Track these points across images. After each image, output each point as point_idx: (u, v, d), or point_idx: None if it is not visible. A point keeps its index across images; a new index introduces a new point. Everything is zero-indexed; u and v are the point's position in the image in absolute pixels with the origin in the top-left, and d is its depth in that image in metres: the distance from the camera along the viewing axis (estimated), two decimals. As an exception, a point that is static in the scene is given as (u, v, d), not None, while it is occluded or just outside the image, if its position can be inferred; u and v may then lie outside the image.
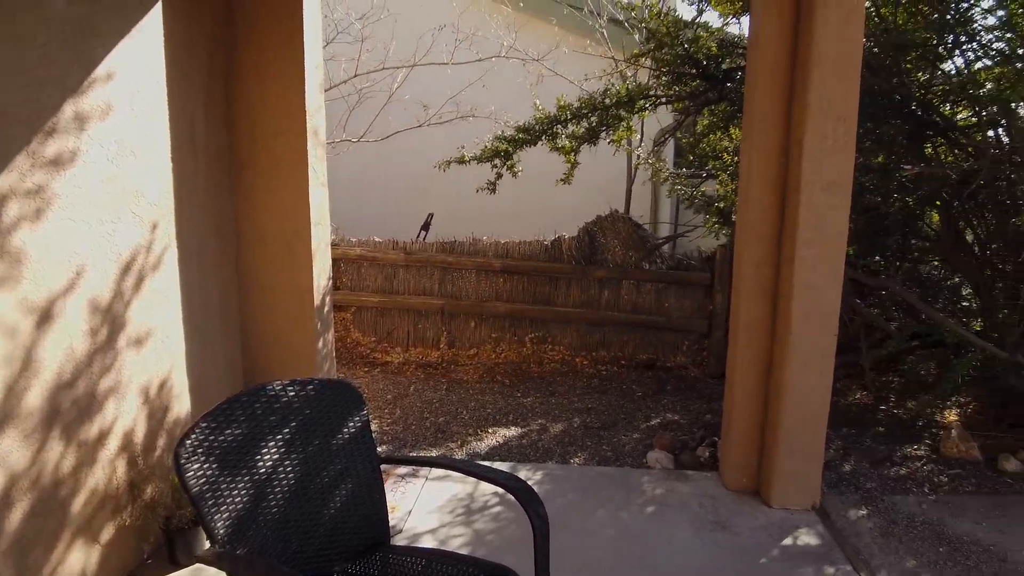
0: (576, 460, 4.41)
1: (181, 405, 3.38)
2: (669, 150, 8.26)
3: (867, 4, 4.73)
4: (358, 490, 2.23)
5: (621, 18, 4.79)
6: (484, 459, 4.42)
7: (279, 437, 2.05)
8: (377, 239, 6.53)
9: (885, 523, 3.66)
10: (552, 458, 4.44)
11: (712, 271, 6.04)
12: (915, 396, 5.53)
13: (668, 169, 5.90)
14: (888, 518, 3.71)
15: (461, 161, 5.36)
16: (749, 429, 3.86)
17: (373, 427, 4.92)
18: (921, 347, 5.34)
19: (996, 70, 3.85)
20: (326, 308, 4.06)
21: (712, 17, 4.96)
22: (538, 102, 5.31)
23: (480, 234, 6.43)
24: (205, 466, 1.80)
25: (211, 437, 1.87)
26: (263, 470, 1.97)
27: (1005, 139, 4.51)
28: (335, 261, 6.44)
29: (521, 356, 6.28)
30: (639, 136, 6.83)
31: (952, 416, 5.30)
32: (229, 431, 1.92)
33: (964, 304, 5.34)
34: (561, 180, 5.53)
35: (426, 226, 7.67)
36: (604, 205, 6.46)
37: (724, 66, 4.74)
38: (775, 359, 3.69)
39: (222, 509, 1.81)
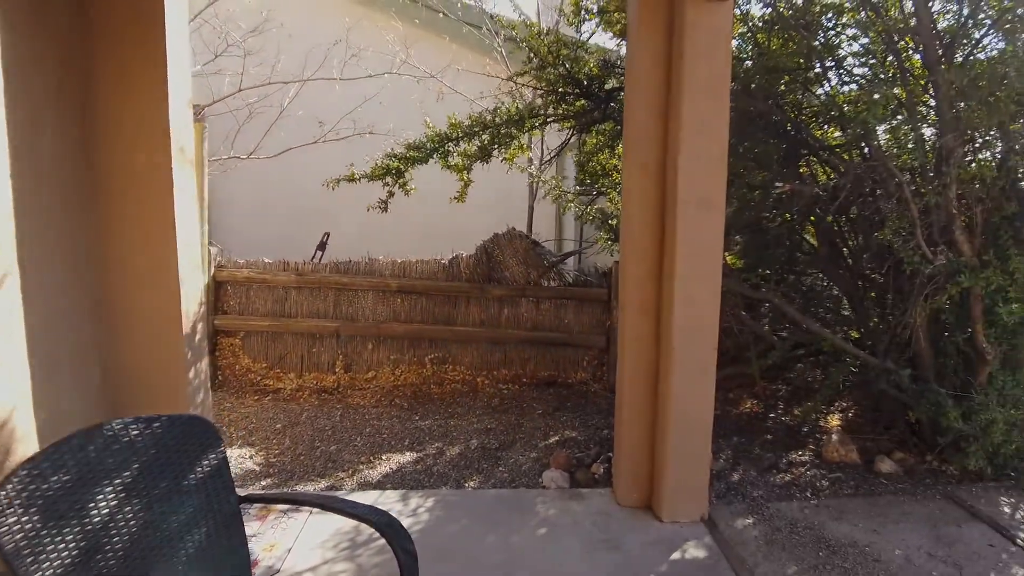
0: (471, 484, 4.31)
1: (26, 447, 3.05)
2: (572, 167, 8.38)
3: (743, 29, 4.97)
4: (215, 533, 2.05)
5: (502, 37, 4.82)
6: (375, 487, 4.25)
7: (118, 481, 1.86)
8: (267, 260, 6.25)
9: (770, 530, 3.74)
10: (447, 483, 4.32)
11: (609, 287, 6.13)
12: (801, 403, 5.78)
13: (559, 187, 5.94)
14: (773, 525, 3.80)
15: (350, 179, 5.21)
16: (639, 444, 3.88)
17: (258, 460, 4.65)
18: (806, 356, 5.59)
19: (854, 93, 4.09)
20: (198, 336, 3.80)
21: (596, 38, 5.05)
22: (428, 119, 5.25)
23: (387, 255, 6.28)
24: (24, 519, 1.60)
25: (32, 487, 1.66)
26: (98, 519, 1.77)
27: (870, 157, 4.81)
28: (221, 284, 6.11)
29: (421, 378, 6.15)
30: (540, 153, 6.88)
31: (834, 421, 5.56)
32: (56, 478, 1.72)
33: (844, 314, 5.63)
34: (455, 198, 5.47)
35: (322, 246, 7.43)
36: (513, 223, 6.45)
37: (607, 86, 4.84)
38: (661, 373, 3.73)
39: (44, 566, 1.61)
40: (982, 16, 4.10)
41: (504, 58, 7.07)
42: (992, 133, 4.07)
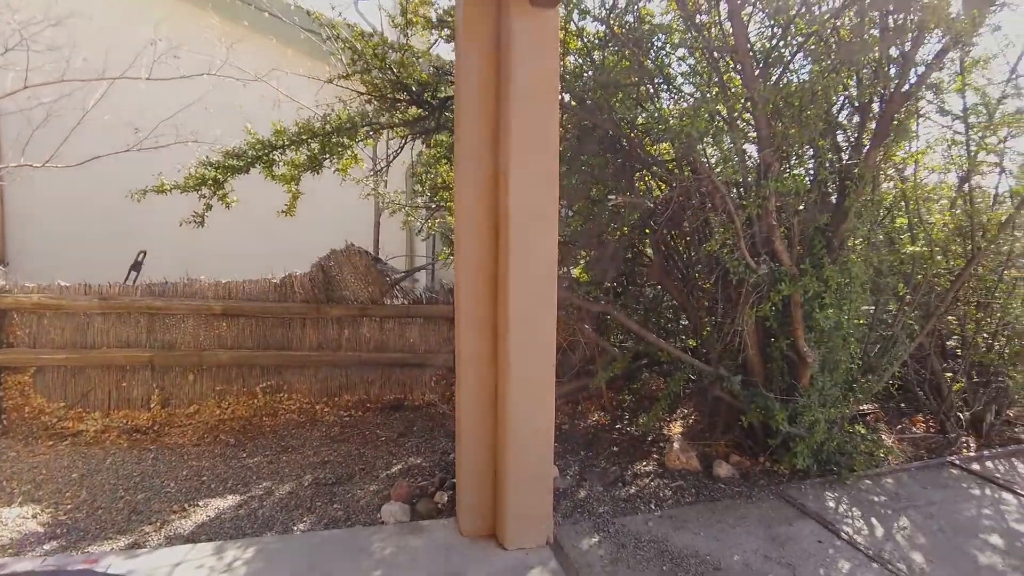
0: (301, 526, 3.88)
1: None
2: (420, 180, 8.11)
3: (578, 44, 4.98)
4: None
5: (324, 36, 4.50)
6: (187, 541, 3.71)
7: None
8: (63, 283, 5.42)
9: (615, 548, 3.66)
10: (273, 527, 3.87)
11: (455, 303, 5.92)
12: (646, 412, 5.86)
13: (397, 200, 5.67)
14: (618, 542, 3.73)
15: (160, 190, 4.62)
16: (480, 469, 3.67)
17: (44, 518, 3.94)
18: (648, 366, 5.68)
19: (679, 108, 4.19)
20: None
21: (440, 48, 4.86)
22: (250, 125, 4.77)
23: (210, 275, 5.65)
24: None
25: None
26: None
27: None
28: (5, 312, 5.23)
29: (252, 409, 5.59)
30: (386, 166, 6.53)
31: (676, 428, 5.69)
32: None
33: (682, 324, 5.80)
34: (283, 212, 5.03)
35: (136, 266, 6.63)
36: (362, 239, 6.06)
37: (441, 94, 4.66)
38: (500, 393, 3.55)
39: None
40: (791, 38, 4.35)
41: (343, 63, 6.68)
42: (805, 149, 4.32)
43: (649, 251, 5.54)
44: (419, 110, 4.82)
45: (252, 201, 5.20)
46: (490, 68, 3.37)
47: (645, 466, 4.85)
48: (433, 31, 4.51)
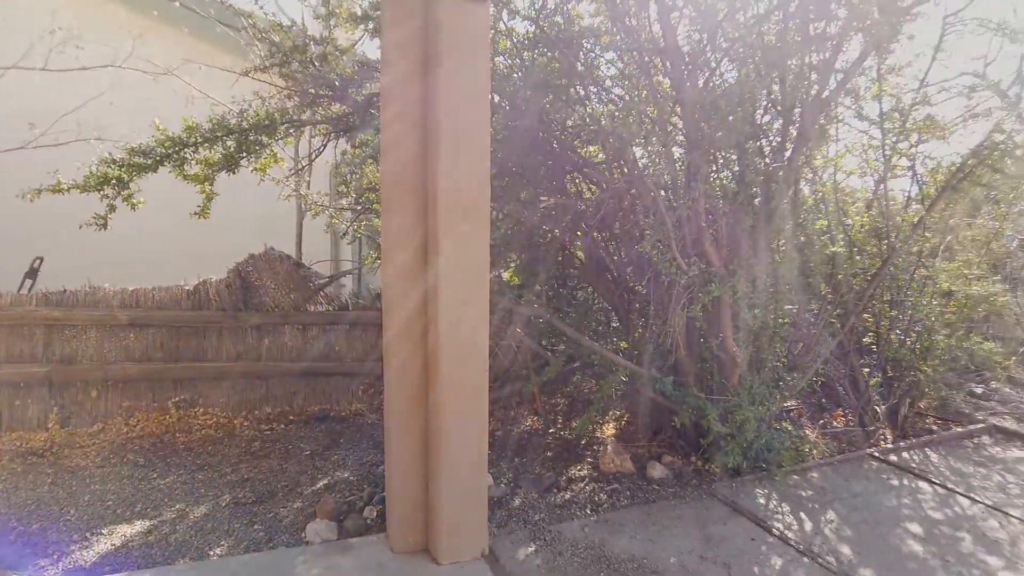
0: (217, 551, 3.61)
1: None
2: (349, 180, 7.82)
3: (508, 44, 4.90)
4: None
5: (240, 27, 4.24)
6: (88, 573, 3.39)
7: None
8: (-61, 294, 4.92)
9: (552, 556, 3.57)
10: (186, 554, 3.58)
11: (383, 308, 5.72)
12: (580, 415, 5.82)
13: (320, 202, 5.43)
14: (555, 550, 3.64)
15: (56, 190, 4.23)
16: (411, 481, 3.51)
17: (-80, 556, 3.52)
18: (581, 368, 5.64)
19: (610, 108, 4.17)
20: None
21: (349, 38, 4.63)
22: (158, 120, 4.44)
23: (123, 283, 5.22)
24: None
25: None
26: None
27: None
28: None
29: (164, 426, 5.21)
30: (309, 167, 6.24)
31: (610, 431, 5.68)
32: None
33: (614, 326, 5.79)
34: (196, 214, 4.71)
35: (32, 274, 6.10)
36: (283, 243, 5.75)
37: (366, 91, 4.48)
38: (430, 401, 3.40)
39: None
40: (719, 42, 4.40)
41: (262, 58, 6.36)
42: (732, 152, 4.38)
43: (581, 254, 5.51)
44: (343, 107, 4.61)
45: (163, 203, 4.86)
46: (418, 63, 3.24)
47: (580, 470, 4.80)
48: (358, 25, 4.32)
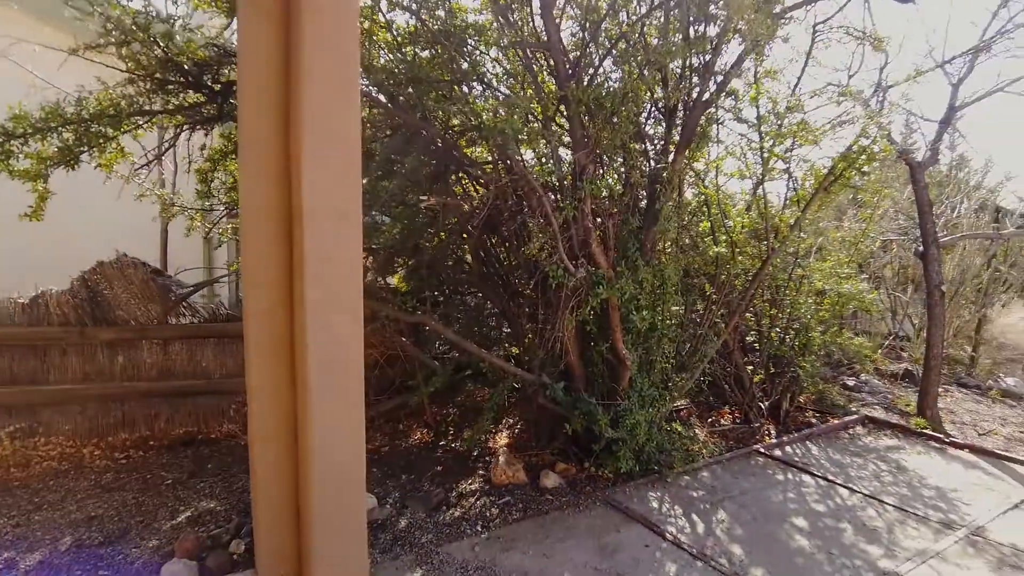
0: (49, 606, 3.12)
1: None
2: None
3: (388, 36, 4.63)
4: None
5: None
6: None
7: None
8: None
9: (439, 581, 3.34)
10: (9, 613, 3.06)
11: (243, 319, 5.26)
12: (471, 426, 5.62)
13: (179, 202, 4.93)
14: (443, 573, 3.41)
15: None
16: (281, 509, 3.16)
17: None
18: (472, 376, 5.44)
19: (494, 103, 4.01)
20: None
21: (205, 18, 4.18)
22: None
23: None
24: None
25: None
26: None
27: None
28: None
29: (-5, 460, 4.54)
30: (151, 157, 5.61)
31: (502, 440, 5.51)
32: None
33: (506, 331, 5.63)
34: (27, 216, 4.12)
35: None
36: (146, 250, 5.14)
37: (224, 78, 4.08)
38: (300, 420, 3.07)
39: None
40: (603, 39, 4.34)
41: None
42: (617, 152, 4.32)
43: (469, 258, 5.31)
44: (198, 95, 4.17)
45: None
46: (279, 45, 2.92)
47: (471, 484, 4.59)
48: (212, 3, 3.91)
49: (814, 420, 6.56)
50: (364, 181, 4.35)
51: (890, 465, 5.36)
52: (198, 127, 4.44)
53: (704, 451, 5.22)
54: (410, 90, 4.45)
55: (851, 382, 8.13)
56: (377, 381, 5.19)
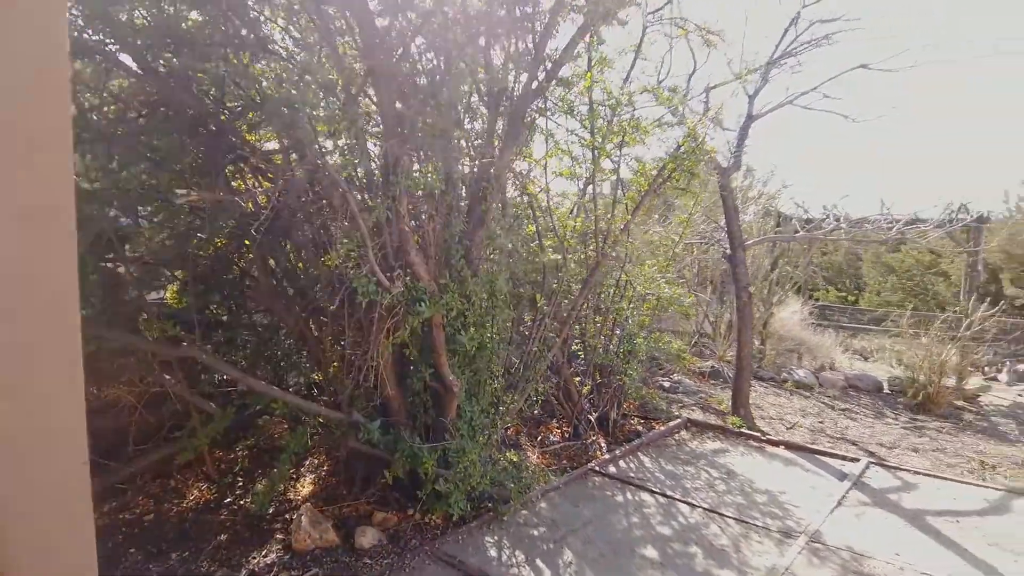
0: None
1: None
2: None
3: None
4: None
5: None
6: None
7: None
8: None
9: None
10: None
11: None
12: (267, 475, 4.61)
13: None
14: None
15: None
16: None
17: None
18: (264, 412, 4.47)
19: (278, 66, 3.13)
20: None
21: None
22: None
23: None
24: None
25: None
26: None
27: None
28: None
29: None
30: None
31: (308, 487, 4.59)
32: None
33: (303, 359, 4.68)
34: None
35: None
36: None
37: None
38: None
39: None
40: (413, 16, 3.63)
41: None
42: (437, 141, 3.64)
43: (256, 269, 4.33)
44: None
45: None
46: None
47: (266, 555, 3.65)
48: None
49: (640, 428, 6.41)
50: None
51: (720, 471, 5.27)
52: None
53: (540, 478, 4.71)
54: (172, 58, 3.42)
55: (667, 383, 8.22)
56: (136, 429, 4.02)
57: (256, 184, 3.93)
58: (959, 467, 5.76)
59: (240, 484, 4.62)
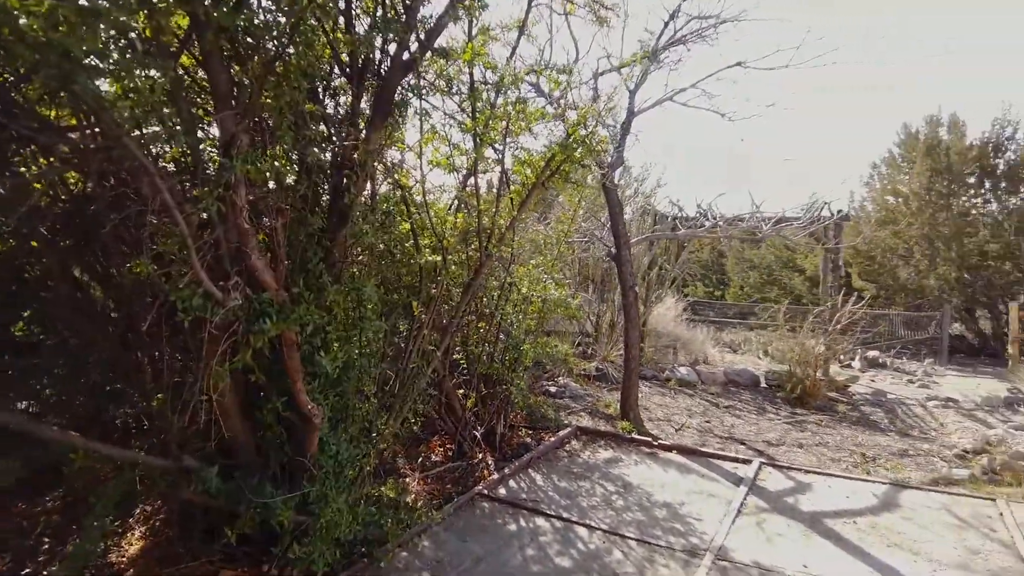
0: None
1: None
2: None
3: None
4: None
5: None
6: None
7: None
8: None
9: None
10: None
11: None
12: (78, 536, 3.68)
13: None
14: None
15: None
16: None
17: None
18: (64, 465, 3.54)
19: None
20: None
21: None
22: None
23: None
24: None
25: None
26: None
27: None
28: None
29: None
30: None
31: (136, 544, 3.73)
32: None
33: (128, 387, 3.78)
34: None
35: None
36: None
37: None
38: None
39: None
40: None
41: None
42: (287, 118, 2.94)
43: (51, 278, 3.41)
44: None
45: None
46: None
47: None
48: None
49: (529, 440, 5.97)
50: None
51: (616, 484, 4.91)
52: None
53: (422, 510, 4.11)
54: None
55: (553, 388, 7.87)
56: None
57: (52, 169, 3.04)
58: (843, 461, 5.80)
59: (46, 546, 3.67)
